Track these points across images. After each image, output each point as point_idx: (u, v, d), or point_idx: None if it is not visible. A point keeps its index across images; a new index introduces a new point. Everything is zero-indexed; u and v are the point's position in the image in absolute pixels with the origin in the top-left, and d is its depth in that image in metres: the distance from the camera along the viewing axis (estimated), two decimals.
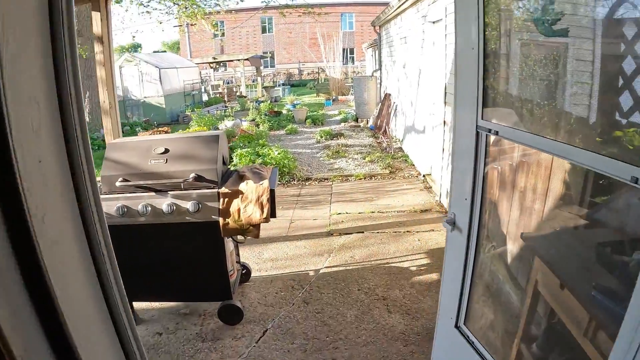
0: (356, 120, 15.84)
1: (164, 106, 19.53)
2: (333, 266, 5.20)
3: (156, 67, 19.46)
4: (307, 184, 8.75)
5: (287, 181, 8.87)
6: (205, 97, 25.01)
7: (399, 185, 8.21)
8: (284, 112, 18.09)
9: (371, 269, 5.09)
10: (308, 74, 41.72)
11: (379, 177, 8.79)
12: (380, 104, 13.92)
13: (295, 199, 7.86)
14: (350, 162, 10.06)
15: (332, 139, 12.77)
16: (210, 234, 3.73)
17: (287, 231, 6.34)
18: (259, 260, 5.43)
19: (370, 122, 14.60)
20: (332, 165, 9.93)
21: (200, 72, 28.07)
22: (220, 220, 3.56)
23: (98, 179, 3.88)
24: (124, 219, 3.68)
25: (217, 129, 11.08)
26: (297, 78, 41.66)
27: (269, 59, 44.20)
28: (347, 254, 5.48)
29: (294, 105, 18.62)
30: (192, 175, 3.56)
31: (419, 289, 4.60)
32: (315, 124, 15.83)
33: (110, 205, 3.68)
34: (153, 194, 3.65)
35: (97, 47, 4.79)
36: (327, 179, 8.89)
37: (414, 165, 9.42)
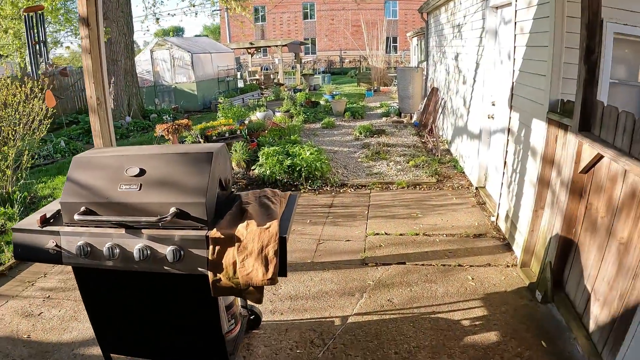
0: (399, 114, 14.64)
1: (195, 93, 18.73)
2: (365, 313, 4.13)
3: (188, 51, 18.62)
4: (341, 191, 7.68)
5: (318, 187, 7.82)
6: (241, 84, 24.13)
7: (447, 199, 7.07)
8: (322, 102, 16.99)
9: (413, 321, 4.00)
10: (349, 62, 40.64)
11: (424, 186, 7.65)
12: (426, 98, 12.70)
13: (326, 211, 6.81)
14: (391, 165, 8.93)
15: (372, 137, 11.65)
16: (197, 290, 2.72)
17: (313, 256, 5.30)
18: (274, 296, 4.41)
19: (415, 118, 13.41)
20: (370, 168, 8.83)
21: (238, 58, 27.22)
22: (210, 274, 2.53)
23: (57, 205, 2.92)
24: (88, 260, 2.70)
25: (244, 123, 10.07)
26: (338, 66, 40.56)
27: (310, 45, 43.24)
28: (384, 296, 4.40)
29: (333, 96, 17.47)
30: (173, 210, 2.53)
31: (475, 357, 3.50)
32: (354, 118, 14.72)
33: (71, 241, 2.71)
34: (123, 231, 2.65)
35: (83, 31, 3.82)
36: (364, 186, 7.80)
37: (464, 173, 8.24)
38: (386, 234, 5.82)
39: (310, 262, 5.16)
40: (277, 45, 25.04)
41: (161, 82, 19.30)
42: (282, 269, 2.52)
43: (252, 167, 8.39)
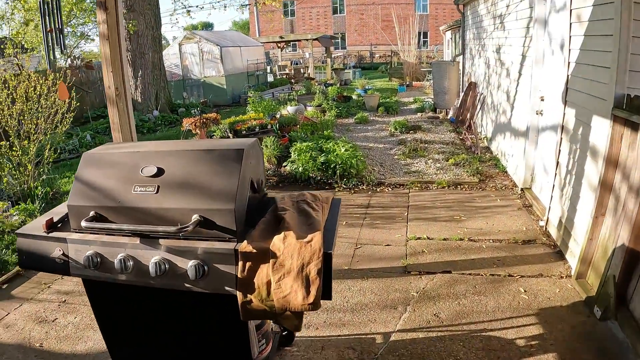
0: (434, 110, 14.10)
1: (224, 86, 18.43)
2: (409, 330, 3.68)
3: (217, 45, 18.31)
4: (378, 190, 7.23)
5: (353, 185, 7.37)
6: (270, 78, 23.79)
7: (491, 200, 6.56)
8: (354, 97, 16.50)
9: (463, 340, 3.54)
10: (380, 56, 40.06)
11: (466, 186, 7.15)
12: (462, 93, 12.13)
13: (363, 211, 6.37)
14: (430, 163, 8.43)
15: (407, 133, 11.15)
16: (224, 310, 2.32)
17: (351, 262, 4.88)
18: None
19: (451, 114, 12.86)
20: (408, 166, 8.35)
21: (268, 53, 26.93)
22: (239, 295, 2.12)
23: (65, 209, 2.54)
24: (98, 273, 2.32)
25: (274, 117, 9.66)
26: (368, 61, 40.00)
27: (339, 40, 42.79)
28: (430, 310, 3.94)
29: (365, 91, 16.99)
30: (195, 218, 2.13)
31: None
32: (388, 113, 14.22)
33: (79, 250, 2.33)
34: (137, 240, 2.25)
35: (100, 16, 3.44)
36: (402, 185, 7.34)
37: (506, 172, 7.70)
38: (428, 238, 5.36)
39: (348, 269, 4.73)
40: (307, 39, 24.62)
41: (190, 76, 19.05)
42: (326, 291, 2.08)
43: (284, 164, 8.00)
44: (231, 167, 2.21)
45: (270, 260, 2.05)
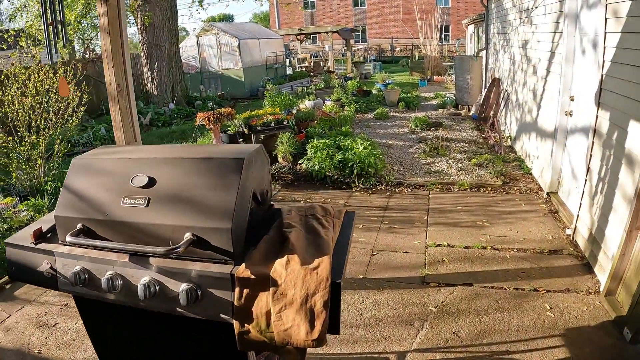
0: (456, 106, 13.72)
1: (242, 79, 18.21)
2: (426, 349, 3.42)
3: (235, 37, 18.08)
4: (397, 191, 6.96)
5: (372, 185, 7.10)
6: (289, 71, 23.51)
7: (515, 205, 6.25)
8: (374, 91, 16.11)
9: None
10: (400, 50, 39.60)
11: (489, 189, 6.83)
12: (486, 89, 11.75)
13: (380, 214, 6.11)
14: (451, 163, 8.12)
15: (428, 130, 10.83)
16: (221, 340, 2.09)
17: (366, 270, 4.63)
18: None
19: (473, 111, 12.50)
20: (429, 166, 8.04)
21: (287, 45, 26.68)
22: (235, 324, 1.88)
23: (51, 219, 2.32)
24: (85, 290, 2.11)
25: (291, 112, 9.40)
26: (389, 54, 39.55)
27: (360, 33, 42.41)
28: (449, 327, 3.67)
29: (386, 85, 16.61)
30: (187, 236, 1.89)
31: None
32: (408, 108, 13.88)
33: (67, 265, 2.11)
34: (126, 258, 2.03)
35: (100, 7, 3.22)
36: (423, 186, 7.05)
37: (531, 174, 7.37)
38: (449, 245, 5.09)
39: (363, 277, 4.48)
40: (327, 32, 24.29)
41: (207, 69, 18.85)
42: (333, 325, 1.83)
43: (300, 161, 7.75)
44: (229, 179, 1.96)
45: (271, 289, 1.81)
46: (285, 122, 8.65)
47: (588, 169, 4.81)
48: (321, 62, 26.17)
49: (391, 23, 42.38)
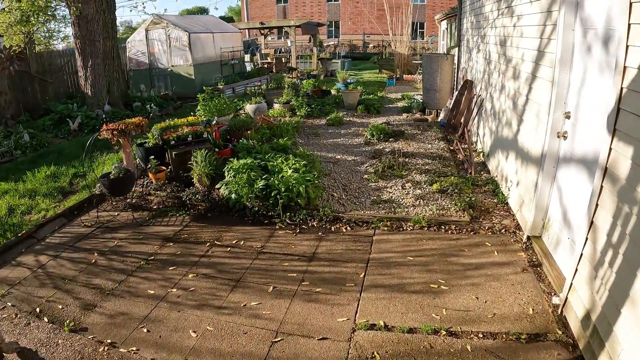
0: (422, 110, 12.13)
1: (193, 77, 16.42)
2: None
3: (185, 30, 16.27)
4: (332, 229, 5.39)
5: (301, 220, 5.53)
6: (249, 68, 21.74)
7: (485, 253, 4.71)
8: (333, 92, 14.42)
9: None
10: (373, 47, 38.19)
11: (453, 227, 5.28)
12: (456, 92, 10.24)
13: (302, 267, 4.54)
14: (408, 188, 6.49)
15: (386, 141, 9.20)
16: None
17: None
18: None
19: (442, 117, 10.98)
20: (379, 192, 6.42)
21: (255, 40, 24.99)
22: None
23: None
24: None
25: (209, 124, 7.49)
26: (361, 51, 38.02)
27: (333, 28, 40.90)
28: None
29: (346, 85, 14.91)
30: None
31: None
32: (369, 112, 12.18)
33: None
34: None
35: None
36: (367, 222, 5.47)
37: (507, 205, 5.85)
38: (386, 327, 3.54)
39: None
40: (289, 26, 22.58)
41: (157, 65, 16.99)
42: None
43: (217, 185, 6.14)
44: None
45: None
46: (204, 135, 7.00)
47: (591, 223, 3.27)
48: (283, 59, 24.41)
49: (365, 19, 40.87)
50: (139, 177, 7.09)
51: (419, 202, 6.00)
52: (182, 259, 4.92)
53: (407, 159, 7.77)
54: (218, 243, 5.19)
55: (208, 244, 5.17)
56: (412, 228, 5.32)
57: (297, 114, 11.31)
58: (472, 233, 5.16)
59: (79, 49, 12.73)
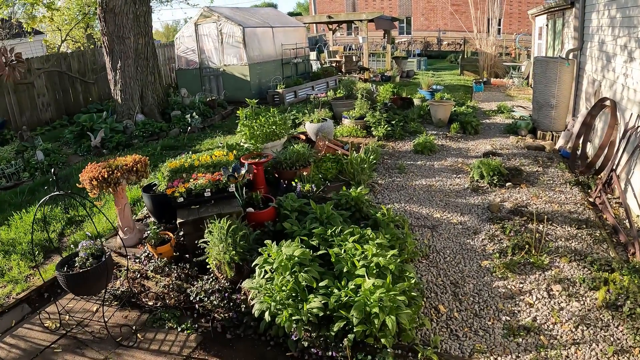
0: (533, 132, 9.34)
1: (248, 78, 14.14)
2: None
3: (239, 25, 14.02)
4: None
5: None
6: (315, 67, 19.28)
7: None
8: (417, 102, 11.52)
9: None
10: (448, 44, 35.09)
11: None
12: (587, 115, 7.46)
13: None
14: (557, 295, 3.85)
15: (502, 186, 6.49)
16: None
17: None
18: None
19: (560, 143, 8.21)
20: (513, 302, 3.81)
21: (322, 37, 22.72)
22: None
23: None
24: None
25: (234, 176, 4.88)
26: (435, 48, 34.98)
27: (404, 24, 38.06)
28: None
29: (432, 93, 12.10)
30: None
31: None
32: (465, 132, 9.50)
33: None
34: None
35: None
36: None
37: None
38: None
39: None
40: (361, 20, 19.99)
41: (207, 64, 14.84)
42: None
43: (244, 284, 3.78)
44: None
45: None
46: (230, 189, 4.58)
47: None
48: (354, 57, 21.84)
49: (438, 14, 37.90)
50: (144, 238, 4.82)
51: (581, 331, 3.40)
52: None
53: (540, 226, 5.09)
54: None
55: None
56: None
57: (374, 133, 8.79)
58: None
59: (106, 47, 10.73)
